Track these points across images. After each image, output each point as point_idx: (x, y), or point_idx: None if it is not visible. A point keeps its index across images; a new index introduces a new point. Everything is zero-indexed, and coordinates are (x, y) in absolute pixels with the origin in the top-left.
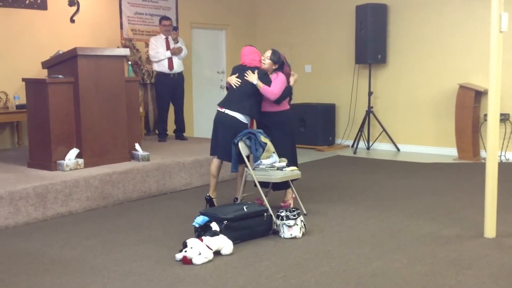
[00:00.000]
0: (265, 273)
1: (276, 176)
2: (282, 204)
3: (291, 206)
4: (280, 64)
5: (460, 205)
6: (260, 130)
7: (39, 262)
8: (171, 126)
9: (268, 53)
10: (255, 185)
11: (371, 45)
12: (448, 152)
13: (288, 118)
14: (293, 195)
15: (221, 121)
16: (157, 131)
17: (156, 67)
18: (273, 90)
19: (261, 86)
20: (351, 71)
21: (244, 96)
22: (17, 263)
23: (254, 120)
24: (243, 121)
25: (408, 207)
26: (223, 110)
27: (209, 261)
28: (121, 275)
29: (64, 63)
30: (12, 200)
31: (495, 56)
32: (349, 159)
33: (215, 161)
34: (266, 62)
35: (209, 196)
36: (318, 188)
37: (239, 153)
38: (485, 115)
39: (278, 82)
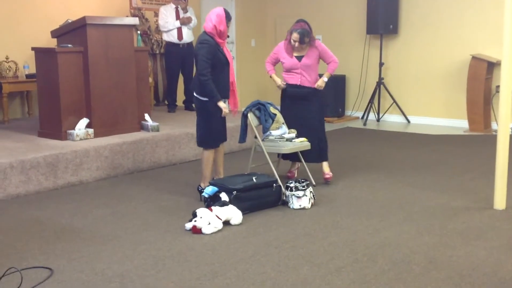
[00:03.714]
0: (274, 243)
1: (286, 147)
2: (326, 176)
3: (330, 177)
4: (310, 35)
5: (470, 177)
6: (270, 102)
7: (51, 230)
8: (180, 97)
9: (296, 37)
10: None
11: (383, 15)
12: (459, 124)
13: (323, 90)
14: (298, 166)
15: None
16: (166, 102)
17: (166, 37)
18: (335, 60)
19: (330, 75)
20: (362, 42)
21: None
22: (28, 231)
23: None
24: (205, 99)
25: (418, 178)
26: None
27: (219, 231)
28: (131, 243)
29: (74, 32)
30: (23, 169)
31: (508, 26)
32: (359, 130)
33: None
34: (298, 46)
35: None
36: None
37: (248, 124)
38: (497, 86)
39: (327, 50)
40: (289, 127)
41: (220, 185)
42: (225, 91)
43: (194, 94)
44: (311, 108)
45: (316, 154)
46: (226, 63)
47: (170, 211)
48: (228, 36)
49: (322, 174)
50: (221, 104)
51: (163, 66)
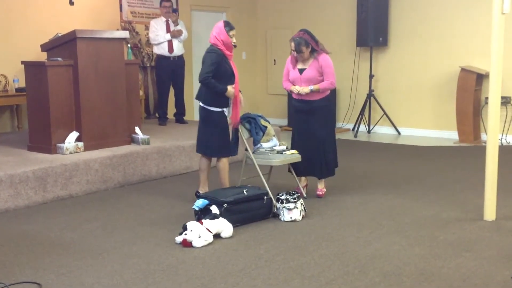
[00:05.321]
0: (265, 256)
1: (276, 160)
2: (319, 193)
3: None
4: (311, 45)
5: (460, 188)
6: (261, 114)
7: (40, 245)
8: (171, 110)
9: (292, 46)
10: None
11: (373, 27)
12: (448, 135)
13: (330, 103)
14: (307, 184)
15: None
16: (157, 115)
17: (156, 50)
18: (331, 81)
19: (318, 88)
20: (352, 54)
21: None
22: (18, 246)
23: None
24: (211, 109)
25: (408, 190)
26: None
27: (209, 244)
28: (121, 257)
29: (63, 45)
30: (12, 183)
31: (497, 38)
32: (349, 142)
33: (201, 156)
34: (296, 55)
35: (198, 192)
36: None
37: (239, 137)
38: (486, 98)
39: (329, 67)
40: (294, 141)
41: (211, 197)
42: (228, 101)
43: (201, 104)
44: (314, 123)
45: (318, 170)
46: (232, 75)
47: (160, 224)
48: (235, 46)
49: (315, 189)
50: (230, 88)
51: (153, 79)
